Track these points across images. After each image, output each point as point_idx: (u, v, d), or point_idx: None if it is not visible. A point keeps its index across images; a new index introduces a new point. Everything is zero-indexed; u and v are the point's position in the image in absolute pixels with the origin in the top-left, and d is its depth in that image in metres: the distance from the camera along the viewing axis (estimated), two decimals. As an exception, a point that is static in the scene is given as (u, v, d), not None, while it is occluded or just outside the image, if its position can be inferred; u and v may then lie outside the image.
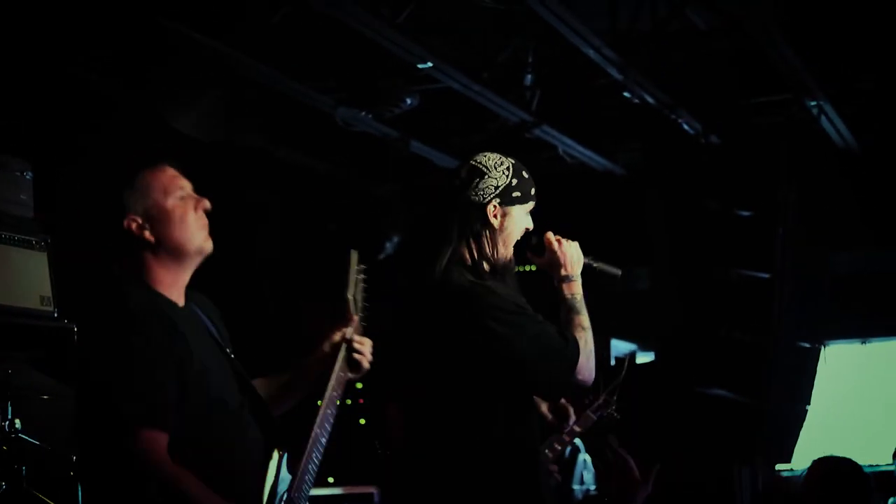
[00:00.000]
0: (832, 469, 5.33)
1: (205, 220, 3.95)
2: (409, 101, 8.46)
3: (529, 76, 8.48)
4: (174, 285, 3.92)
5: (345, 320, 4.16)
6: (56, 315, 7.34)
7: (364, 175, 10.10)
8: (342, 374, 4.11)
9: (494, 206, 4.44)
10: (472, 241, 4.41)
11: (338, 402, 4.06)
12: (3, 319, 6.94)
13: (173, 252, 3.88)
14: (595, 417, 5.65)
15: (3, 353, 6.47)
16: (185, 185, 3.96)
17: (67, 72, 7.61)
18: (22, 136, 7.67)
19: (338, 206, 10.35)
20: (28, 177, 7.55)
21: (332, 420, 4.02)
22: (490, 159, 4.50)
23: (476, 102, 8.62)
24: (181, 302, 3.93)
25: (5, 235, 7.25)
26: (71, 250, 7.66)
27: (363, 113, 8.71)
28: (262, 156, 9.29)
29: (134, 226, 3.85)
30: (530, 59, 8.40)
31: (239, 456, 3.86)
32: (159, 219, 3.85)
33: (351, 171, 10.22)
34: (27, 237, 7.39)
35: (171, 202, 3.90)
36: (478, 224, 4.42)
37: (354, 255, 4.18)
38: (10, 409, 5.82)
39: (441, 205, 4.46)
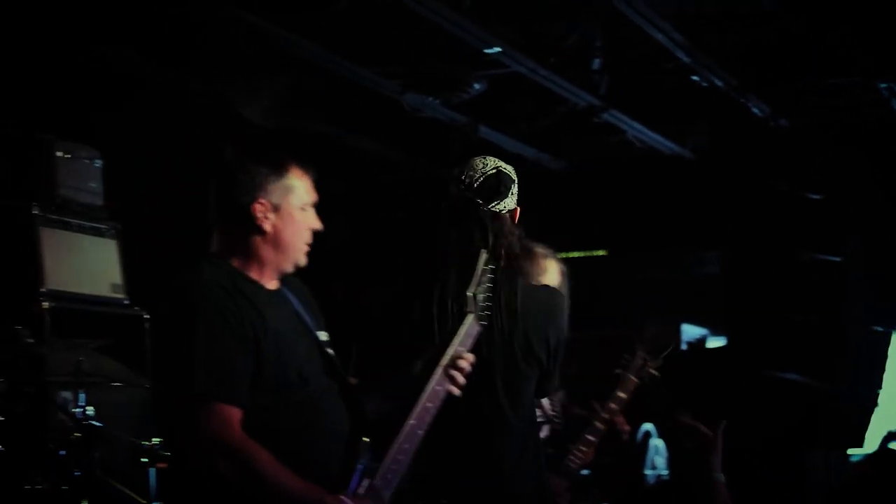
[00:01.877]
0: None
1: (310, 240, 4.05)
2: (476, 86, 8.43)
3: (597, 60, 8.42)
4: (265, 272, 3.99)
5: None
6: (127, 302, 7.41)
7: (432, 161, 10.08)
8: (442, 381, 4.04)
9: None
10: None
11: (441, 398, 4.00)
12: (74, 307, 7.01)
13: (277, 250, 3.96)
14: (636, 379, 5.66)
15: (75, 340, 6.53)
16: (314, 200, 4.03)
17: (134, 61, 7.65)
18: (90, 124, 7.73)
19: (405, 193, 10.36)
20: (97, 165, 7.61)
21: (432, 415, 3.97)
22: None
23: (544, 87, 8.58)
24: (270, 286, 3.99)
25: (76, 223, 7.32)
26: (140, 237, 7.73)
27: (431, 98, 8.69)
28: (329, 142, 9.29)
29: (259, 209, 3.93)
30: (598, 43, 8.34)
31: (318, 438, 3.87)
32: (285, 219, 3.96)
33: (418, 157, 10.21)
34: (97, 225, 7.46)
35: (301, 211, 4.00)
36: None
37: (483, 255, 4.13)
38: (82, 396, 5.86)
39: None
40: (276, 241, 3.94)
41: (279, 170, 3.96)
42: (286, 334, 3.88)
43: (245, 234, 3.93)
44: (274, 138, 8.18)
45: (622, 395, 5.65)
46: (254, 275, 3.93)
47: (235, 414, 3.69)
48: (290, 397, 3.79)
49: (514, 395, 4.38)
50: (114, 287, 7.44)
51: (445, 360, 3.99)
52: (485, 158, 4.48)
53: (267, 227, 3.92)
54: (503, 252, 4.28)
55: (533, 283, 4.83)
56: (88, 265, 7.37)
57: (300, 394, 3.83)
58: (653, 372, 5.69)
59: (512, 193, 4.43)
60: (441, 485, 4.26)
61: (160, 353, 3.91)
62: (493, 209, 4.36)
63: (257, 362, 3.76)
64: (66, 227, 7.27)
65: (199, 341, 3.71)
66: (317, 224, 4.05)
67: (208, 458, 3.67)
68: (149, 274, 7.40)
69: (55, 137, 7.38)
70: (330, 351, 4.03)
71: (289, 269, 4.02)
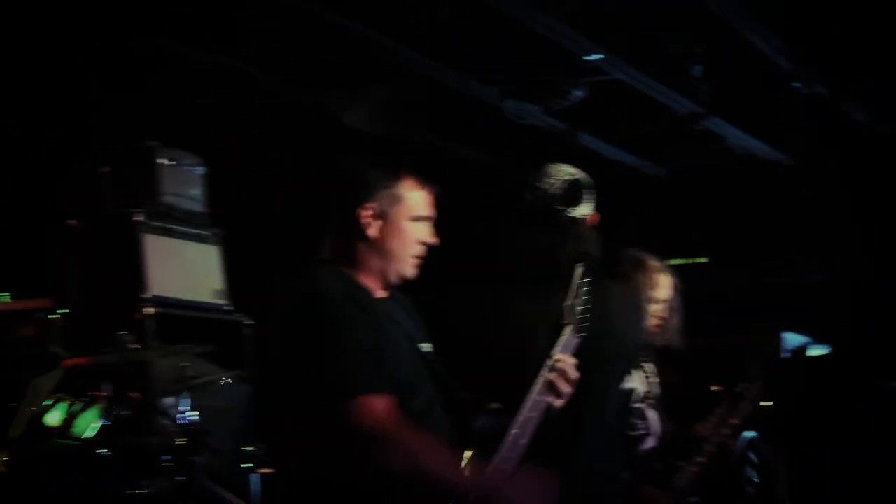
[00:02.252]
0: None
1: (422, 254, 4.03)
2: (577, 92, 8.40)
3: (698, 67, 8.35)
4: (373, 279, 3.99)
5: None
6: (229, 308, 7.46)
7: (532, 168, 10.04)
8: (544, 392, 4.03)
9: None
10: None
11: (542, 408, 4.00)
12: (177, 313, 7.07)
13: (382, 258, 3.97)
14: (751, 407, 5.62)
15: (179, 346, 6.58)
16: (431, 216, 4.03)
17: (237, 69, 7.71)
18: (192, 131, 7.80)
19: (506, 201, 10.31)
20: (199, 172, 7.69)
21: (534, 425, 3.96)
22: None
23: (645, 94, 8.53)
24: (379, 294, 3.99)
25: (179, 230, 7.39)
26: (241, 244, 7.79)
27: (531, 105, 8.67)
28: (430, 150, 9.31)
29: (364, 215, 3.93)
30: (699, 51, 8.28)
31: None
32: (391, 227, 3.95)
33: (519, 164, 10.19)
34: (200, 231, 7.53)
35: (411, 222, 3.99)
36: None
37: (580, 269, 4.13)
38: (186, 401, 5.92)
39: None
40: (380, 249, 3.93)
41: (390, 178, 3.96)
42: (397, 343, 3.88)
43: (352, 240, 3.93)
44: (387, 147, 8.21)
45: (735, 420, 5.61)
46: (364, 281, 3.93)
47: (386, 402, 3.68)
48: (401, 405, 3.78)
49: (602, 400, 4.38)
50: (216, 293, 7.51)
51: (546, 370, 3.99)
52: (561, 165, 4.50)
53: (371, 233, 3.91)
54: (586, 257, 4.28)
55: (629, 290, 4.84)
56: (191, 271, 7.44)
57: (410, 402, 3.82)
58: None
59: (589, 199, 4.44)
60: None
61: (272, 358, 3.91)
62: (572, 214, 4.37)
63: (382, 359, 3.76)
64: (170, 233, 7.34)
65: (329, 342, 3.70)
66: (429, 238, 4.02)
67: (364, 450, 3.64)
68: (249, 280, 7.48)
69: (159, 145, 7.46)
70: (435, 362, 4.03)
71: (394, 278, 4.00)
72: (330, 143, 8.18)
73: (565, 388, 3.98)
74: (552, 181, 4.44)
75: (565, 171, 4.46)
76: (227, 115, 7.93)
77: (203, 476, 5.57)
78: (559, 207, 4.38)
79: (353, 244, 3.95)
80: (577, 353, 4.04)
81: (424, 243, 4.01)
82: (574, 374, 4.00)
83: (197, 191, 7.67)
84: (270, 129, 8.27)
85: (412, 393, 3.86)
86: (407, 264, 3.98)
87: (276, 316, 3.93)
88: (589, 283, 4.11)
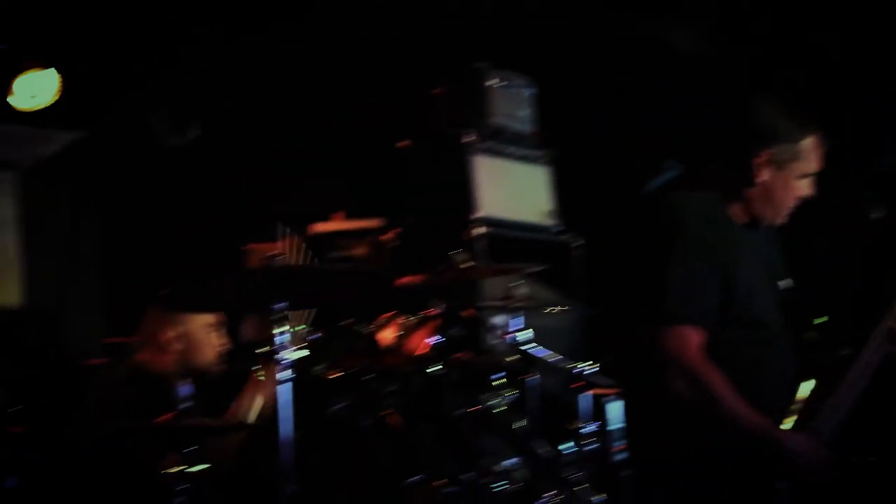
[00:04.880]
0: None
1: (796, 204, 4.14)
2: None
3: None
4: (746, 216, 4.15)
5: None
6: (558, 229, 7.46)
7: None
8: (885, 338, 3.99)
9: None
10: None
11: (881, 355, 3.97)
12: (507, 233, 7.12)
13: (764, 203, 4.06)
14: None
15: (510, 265, 6.61)
16: (816, 170, 4.12)
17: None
18: (520, 50, 7.79)
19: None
20: (528, 92, 7.69)
21: (872, 371, 3.94)
22: None
23: None
24: (748, 229, 4.15)
25: (509, 151, 7.42)
26: (570, 165, 7.76)
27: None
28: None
29: (760, 160, 4.08)
30: None
31: (768, 375, 3.92)
32: (782, 179, 4.09)
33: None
34: (530, 152, 7.54)
35: (799, 178, 4.12)
36: None
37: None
38: (517, 321, 5.93)
39: None
40: (765, 195, 4.04)
41: (798, 132, 4.01)
42: (755, 276, 3.94)
43: (739, 178, 4.04)
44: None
45: None
46: (736, 214, 3.99)
47: (696, 336, 3.78)
48: (750, 335, 3.86)
49: None
50: (546, 214, 7.52)
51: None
52: None
53: (763, 178, 4.00)
54: None
55: None
56: (520, 192, 7.47)
57: (759, 334, 3.88)
58: None
59: None
60: None
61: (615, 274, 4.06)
62: None
63: (726, 294, 3.83)
64: (500, 154, 7.38)
65: (674, 264, 3.81)
66: (809, 192, 4.13)
67: (666, 376, 3.78)
68: (578, 202, 7.46)
69: (488, 65, 7.49)
70: (790, 298, 4.05)
71: (767, 222, 4.14)
72: (658, 70, 8.03)
73: None
74: None
75: None
76: (557, 36, 7.88)
77: (535, 395, 5.59)
78: None
79: (737, 181, 4.07)
80: None
81: (801, 196, 4.11)
82: None
83: (526, 111, 7.68)
84: (600, 53, 8.18)
85: (763, 324, 3.92)
86: (784, 214, 4.07)
87: (629, 232, 4.04)
88: None
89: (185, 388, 4.23)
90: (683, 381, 3.79)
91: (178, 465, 4.08)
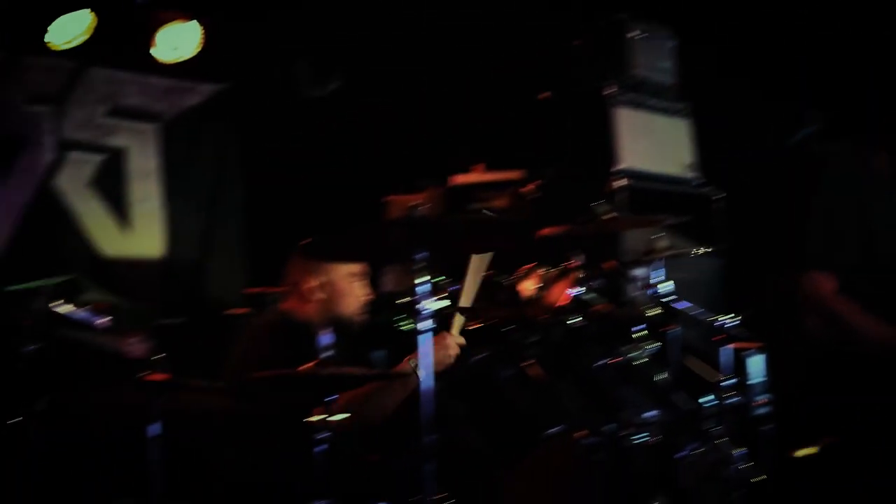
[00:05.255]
0: None
1: None
2: None
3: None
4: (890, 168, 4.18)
5: None
6: (699, 181, 7.41)
7: None
8: None
9: None
10: None
11: None
12: (648, 185, 7.09)
13: None
14: None
15: (651, 216, 6.58)
16: None
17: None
18: (662, 1, 7.73)
19: None
20: (670, 45, 7.62)
21: None
22: None
23: None
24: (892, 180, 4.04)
25: (650, 103, 7.38)
26: (710, 118, 7.69)
27: None
28: None
29: None
30: None
31: None
32: None
33: None
34: (670, 104, 7.49)
35: None
36: None
37: None
38: (658, 273, 5.90)
39: None
40: None
41: None
42: (889, 216, 3.92)
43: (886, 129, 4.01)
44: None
45: None
46: (880, 165, 3.97)
47: (831, 282, 3.82)
48: (886, 281, 3.86)
49: None
50: (686, 166, 7.47)
51: None
52: None
53: None
54: None
55: None
56: (661, 144, 7.43)
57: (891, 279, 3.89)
58: None
59: None
60: None
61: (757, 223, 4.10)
62: None
63: (864, 243, 3.83)
64: (641, 106, 7.35)
65: (814, 213, 3.82)
66: None
67: (801, 316, 3.85)
68: (718, 154, 7.39)
69: (629, 17, 7.43)
70: None
71: None
72: (801, 20, 7.90)
73: None
74: None
75: None
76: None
77: (676, 347, 5.57)
78: None
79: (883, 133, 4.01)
80: None
81: None
82: None
83: (667, 64, 7.62)
84: (741, 3, 8.07)
85: (892, 271, 3.91)
86: None
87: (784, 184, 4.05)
88: None
89: (326, 337, 4.28)
90: (819, 318, 3.84)
91: (321, 415, 4.14)
